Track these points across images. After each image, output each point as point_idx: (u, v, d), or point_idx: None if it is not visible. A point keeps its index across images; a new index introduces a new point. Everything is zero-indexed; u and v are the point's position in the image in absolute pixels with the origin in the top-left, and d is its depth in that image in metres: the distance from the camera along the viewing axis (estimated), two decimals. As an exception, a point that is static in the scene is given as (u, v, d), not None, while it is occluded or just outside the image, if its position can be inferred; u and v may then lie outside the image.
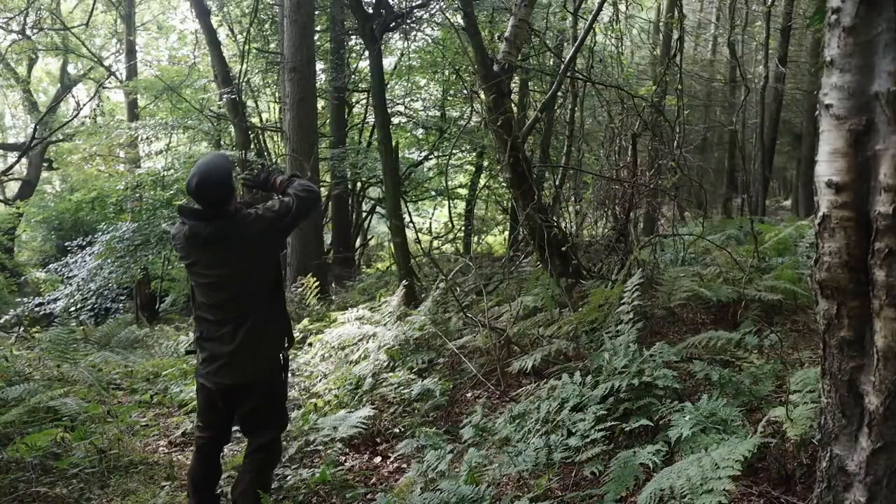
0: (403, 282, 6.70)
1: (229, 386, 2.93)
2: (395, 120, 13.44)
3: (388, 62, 13.46)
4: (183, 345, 7.47)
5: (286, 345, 3.11)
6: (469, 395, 4.63)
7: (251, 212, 2.92)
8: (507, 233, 14.10)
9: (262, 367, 2.97)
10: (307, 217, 3.15)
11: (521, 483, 3.03)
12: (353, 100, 14.17)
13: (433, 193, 15.22)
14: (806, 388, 2.89)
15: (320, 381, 5.23)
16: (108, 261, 10.10)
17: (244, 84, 11.69)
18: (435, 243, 13.22)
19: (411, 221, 12.26)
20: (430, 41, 12.81)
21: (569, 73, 7.06)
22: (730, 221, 11.45)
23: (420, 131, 14.89)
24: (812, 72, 13.84)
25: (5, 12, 14.43)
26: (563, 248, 5.79)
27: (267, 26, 12.28)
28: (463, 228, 14.70)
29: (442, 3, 10.06)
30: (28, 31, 14.83)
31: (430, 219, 16.26)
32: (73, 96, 20.41)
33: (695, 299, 5.05)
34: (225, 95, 10.28)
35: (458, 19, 8.03)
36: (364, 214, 15.40)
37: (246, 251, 2.87)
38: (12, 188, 20.75)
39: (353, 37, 12.06)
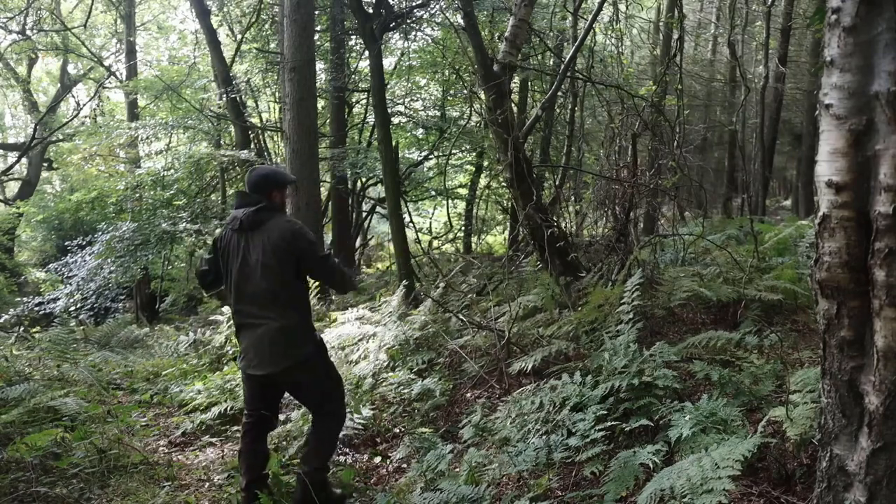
0: (403, 282, 6.71)
1: (266, 375, 3.17)
2: (395, 120, 13.41)
3: (388, 62, 13.44)
4: (183, 345, 7.44)
5: (315, 337, 3.33)
6: (469, 395, 4.63)
7: (291, 220, 3.26)
8: (507, 233, 14.10)
9: (292, 356, 3.16)
10: (324, 280, 3.69)
11: (521, 483, 3.03)
12: (353, 100, 14.14)
13: (433, 193, 15.21)
14: (806, 388, 2.89)
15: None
16: (108, 261, 10.08)
17: (244, 84, 11.69)
18: (435, 243, 13.22)
19: (411, 221, 12.26)
20: (430, 41, 12.80)
21: (569, 73, 7.06)
22: (730, 221, 11.42)
23: (420, 131, 14.87)
24: (812, 72, 13.82)
25: (5, 12, 14.42)
26: (563, 248, 5.78)
27: (267, 26, 12.27)
28: (463, 228, 14.69)
29: (442, 3, 10.07)
30: (28, 31, 14.82)
31: (430, 219, 16.26)
32: (73, 96, 20.41)
33: (695, 299, 5.04)
34: (225, 95, 10.27)
35: (458, 19, 8.03)
36: (364, 214, 15.39)
37: (271, 247, 3.11)
38: (12, 188, 20.75)
39: (353, 37, 12.04)
